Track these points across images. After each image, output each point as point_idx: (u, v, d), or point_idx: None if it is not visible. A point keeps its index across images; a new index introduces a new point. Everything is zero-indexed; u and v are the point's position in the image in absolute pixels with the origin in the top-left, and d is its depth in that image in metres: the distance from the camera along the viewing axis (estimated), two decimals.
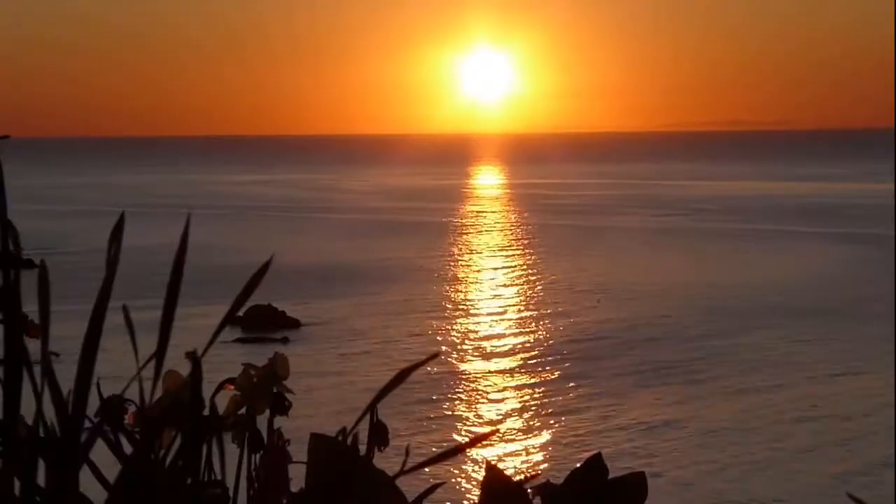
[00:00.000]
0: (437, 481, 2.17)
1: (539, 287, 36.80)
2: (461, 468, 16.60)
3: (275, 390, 2.18)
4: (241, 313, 27.74)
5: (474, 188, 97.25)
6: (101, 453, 1.82)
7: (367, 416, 2.13)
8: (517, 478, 2.28)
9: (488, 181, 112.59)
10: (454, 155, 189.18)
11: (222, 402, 2.13)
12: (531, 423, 20.55)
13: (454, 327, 29.37)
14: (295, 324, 29.15)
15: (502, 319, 30.81)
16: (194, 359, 1.75)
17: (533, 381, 23.62)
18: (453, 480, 15.98)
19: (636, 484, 2.32)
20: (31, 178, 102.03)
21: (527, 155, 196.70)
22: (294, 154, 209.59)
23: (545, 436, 19.70)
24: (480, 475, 2.32)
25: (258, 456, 2.15)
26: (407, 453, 1.99)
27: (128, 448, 1.89)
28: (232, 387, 2.17)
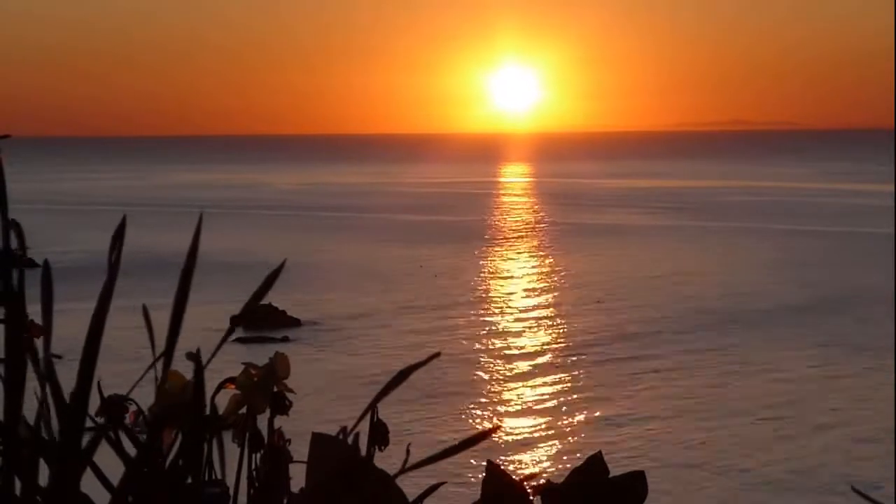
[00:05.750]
0: (438, 481, 2.17)
1: (539, 285, 36.81)
2: (461, 467, 16.59)
3: (275, 390, 2.18)
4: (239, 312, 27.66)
5: (481, 187, 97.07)
6: (101, 452, 1.82)
7: (368, 416, 2.13)
8: (517, 477, 2.28)
9: (511, 179, 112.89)
10: (471, 155, 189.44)
11: (223, 402, 2.13)
12: (531, 421, 20.55)
13: (453, 327, 29.35)
14: (295, 323, 29.12)
15: (502, 319, 30.79)
16: (196, 359, 1.75)
17: (533, 379, 23.62)
18: (453, 479, 15.98)
19: (636, 484, 2.32)
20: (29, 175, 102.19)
21: (534, 154, 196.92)
22: (317, 152, 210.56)
23: (545, 435, 19.70)
24: (481, 474, 2.32)
25: (258, 456, 2.15)
26: (408, 452, 1.99)
27: (128, 447, 1.89)
28: (232, 386, 2.17)
